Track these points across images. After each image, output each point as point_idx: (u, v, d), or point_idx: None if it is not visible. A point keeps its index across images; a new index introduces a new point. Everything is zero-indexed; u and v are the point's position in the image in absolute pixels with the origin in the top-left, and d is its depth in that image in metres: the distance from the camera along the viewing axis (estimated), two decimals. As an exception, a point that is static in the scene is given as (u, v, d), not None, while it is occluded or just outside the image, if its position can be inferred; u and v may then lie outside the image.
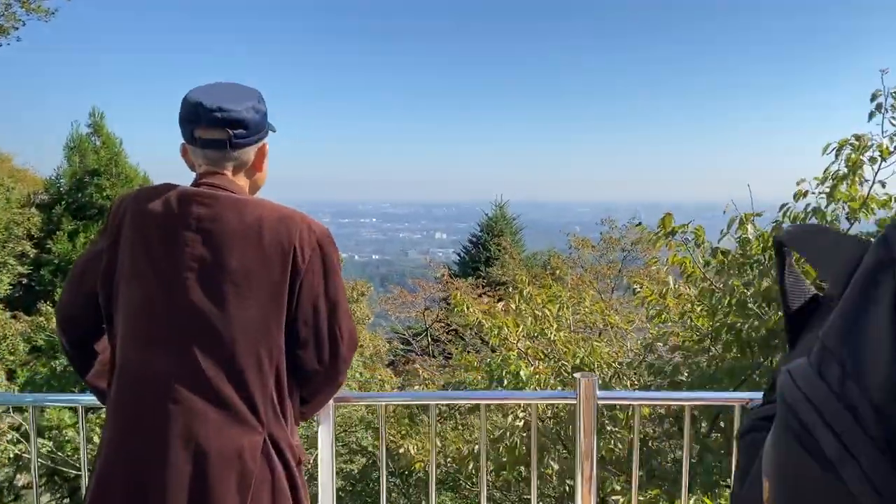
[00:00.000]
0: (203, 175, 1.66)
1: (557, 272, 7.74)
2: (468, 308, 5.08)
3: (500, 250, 18.69)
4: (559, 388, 4.85)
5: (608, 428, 4.79)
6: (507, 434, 4.51)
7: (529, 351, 5.17)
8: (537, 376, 5.04)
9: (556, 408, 4.95)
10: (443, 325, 14.29)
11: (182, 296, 1.55)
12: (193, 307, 1.55)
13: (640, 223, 4.76)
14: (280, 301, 1.58)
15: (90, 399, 2.08)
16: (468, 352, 9.27)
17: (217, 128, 1.60)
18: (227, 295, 1.55)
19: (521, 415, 4.46)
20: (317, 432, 2.22)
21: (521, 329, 5.17)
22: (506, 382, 5.05)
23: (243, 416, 1.54)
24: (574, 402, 2.17)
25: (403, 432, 5.58)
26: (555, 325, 5.74)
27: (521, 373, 4.96)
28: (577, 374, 2.14)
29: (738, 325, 4.34)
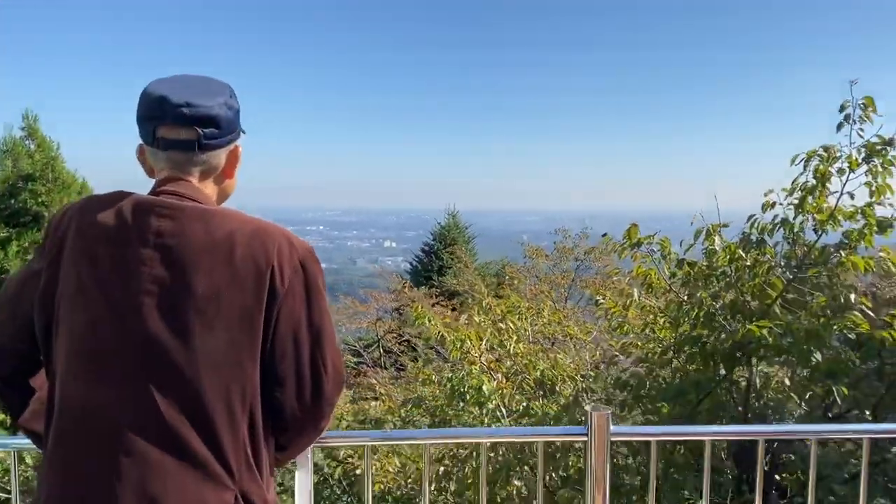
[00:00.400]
0: (164, 182, 1.43)
1: (516, 282, 7.64)
2: (430, 321, 4.92)
3: (453, 259, 18.59)
4: (524, 402, 4.73)
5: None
6: (473, 454, 4.36)
7: (492, 365, 5.04)
8: (501, 391, 4.91)
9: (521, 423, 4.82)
10: (395, 335, 14.06)
11: (136, 324, 1.31)
12: (150, 338, 1.31)
13: (605, 234, 4.68)
14: (254, 330, 1.35)
15: (25, 443, 1.82)
16: (422, 363, 9.10)
17: (184, 126, 1.38)
18: (192, 323, 1.31)
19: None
20: (293, 480, 2.00)
21: (484, 342, 5.04)
22: (468, 398, 4.90)
23: (210, 468, 1.31)
24: (585, 438, 1.96)
25: (360, 453, 5.35)
26: (514, 337, 5.63)
27: (484, 387, 4.82)
28: (587, 407, 1.93)
29: (704, 337, 4.30)
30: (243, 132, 1.54)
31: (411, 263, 24.45)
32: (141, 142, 1.46)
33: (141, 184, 1.47)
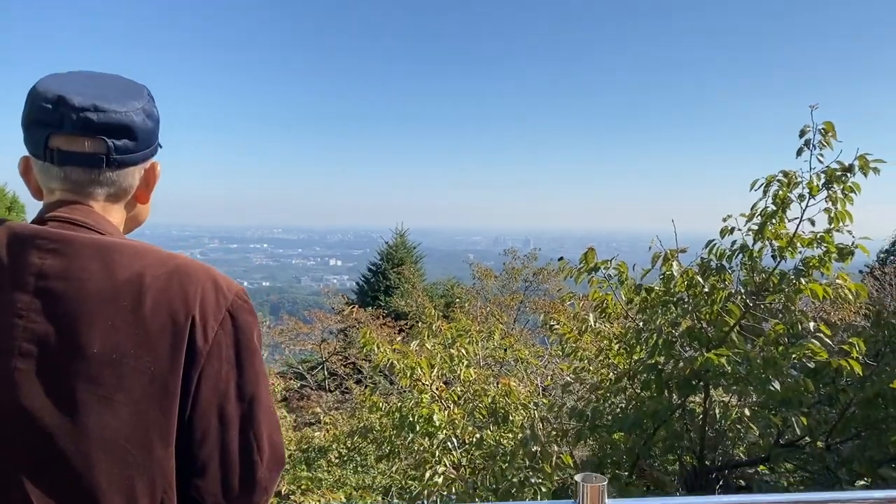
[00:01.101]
0: (55, 206, 1.14)
1: (466, 305, 7.47)
2: (378, 348, 4.69)
3: (400, 279, 18.35)
4: (476, 434, 4.52)
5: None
6: (424, 493, 4.13)
7: (443, 393, 4.83)
8: (453, 420, 4.71)
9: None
10: (340, 358, 13.73)
11: (9, 397, 0.99)
12: (26, 415, 0.99)
13: (561, 258, 4.55)
14: (168, 404, 1.04)
15: None
16: (368, 387, 8.82)
17: (90, 136, 1.10)
18: (83, 396, 1.00)
19: (440, 469, 4.08)
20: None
21: (434, 370, 4.83)
22: (418, 428, 4.68)
23: None
24: (576, 513, 1.68)
25: (303, 487, 5.06)
26: (464, 362, 5.45)
27: (435, 417, 4.61)
28: (577, 478, 1.63)
29: (661, 364, 4.20)
30: (160, 146, 1.24)
31: (357, 283, 24.08)
32: (27, 154, 1.17)
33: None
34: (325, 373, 14.32)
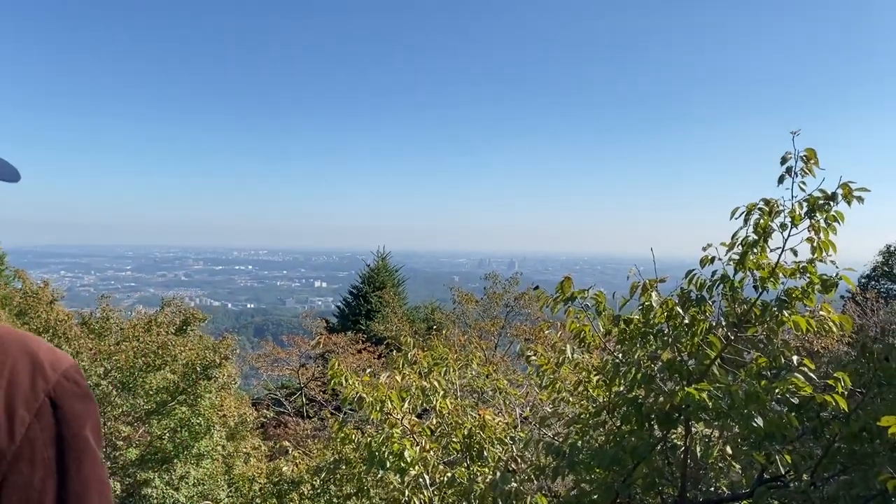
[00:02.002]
0: None
1: (444, 332, 7.29)
2: (346, 381, 4.48)
3: (381, 303, 18.11)
4: (448, 473, 4.32)
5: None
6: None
7: (416, 427, 4.62)
8: (424, 456, 4.50)
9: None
10: (319, 383, 13.45)
11: None
12: None
13: (537, 287, 4.39)
14: None
15: None
16: (339, 419, 8.57)
17: None
18: None
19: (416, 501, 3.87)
20: None
21: (406, 403, 4.63)
22: (388, 465, 4.47)
23: None
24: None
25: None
26: (440, 393, 5.25)
27: (406, 453, 4.41)
28: None
29: (641, 398, 4.04)
30: (15, 180, 0.99)
31: (339, 307, 23.80)
32: None
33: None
34: (304, 399, 14.02)
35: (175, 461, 7.62)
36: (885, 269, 21.41)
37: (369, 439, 4.44)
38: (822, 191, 3.25)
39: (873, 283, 20.77)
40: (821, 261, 3.41)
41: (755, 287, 3.60)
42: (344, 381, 4.45)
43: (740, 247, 3.52)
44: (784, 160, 3.26)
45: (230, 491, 7.47)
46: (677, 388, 3.85)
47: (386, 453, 4.40)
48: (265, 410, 10.65)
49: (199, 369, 7.78)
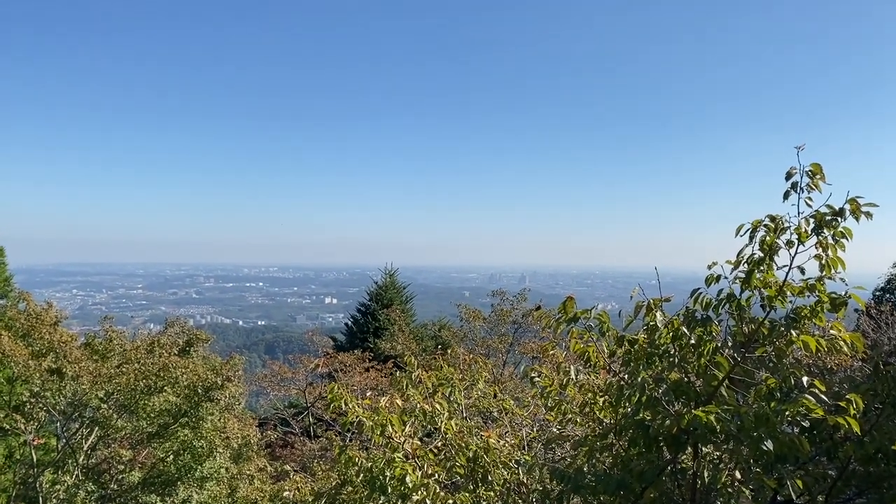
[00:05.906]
0: None
1: (449, 352, 7.19)
2: (346, 404, 4.38)
3: (389, 321, 17.99)
4: (449, 500, 4.20)
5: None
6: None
7: (418, 451, 4.51)
8: (426, 482, 4.38)
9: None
10: (326, 402, 13.35)
11: None
12: None
13: (539, 307, 4.29)
14: None
15: None
16: (338, 442, 8.44)
17: None
18: None
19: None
20: None
21: (407, 427, 4.52)
22: (390, 490, 4.36)
23: None
24: None
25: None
26: (445, 414, 5.14)
27: (408, 478, 4.29)
28: None
29: (647, 421, 3.92)
30: None
31: (348, 324, 23.70)
32: None
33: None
34: (311, 418, 13.90)
35: (178, 484, 7.52)
36: (900, 281, 21.09)
37: (370, 464, 4.33)
38: (829, 206, 3.14)
39: (888, 295, 20.46)
40: (830, 278, 3.30)
41: (762, 306, 3.49)
42: (343, 405, 4.36)
43: (746, 265, 3.41)
44: (789, 175, 3.16)
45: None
46: (685, 410, 3.73)
47: (387, 478, 4.29)
48: (269, 431, 10.52)
49: (200, 391, 7.70)
